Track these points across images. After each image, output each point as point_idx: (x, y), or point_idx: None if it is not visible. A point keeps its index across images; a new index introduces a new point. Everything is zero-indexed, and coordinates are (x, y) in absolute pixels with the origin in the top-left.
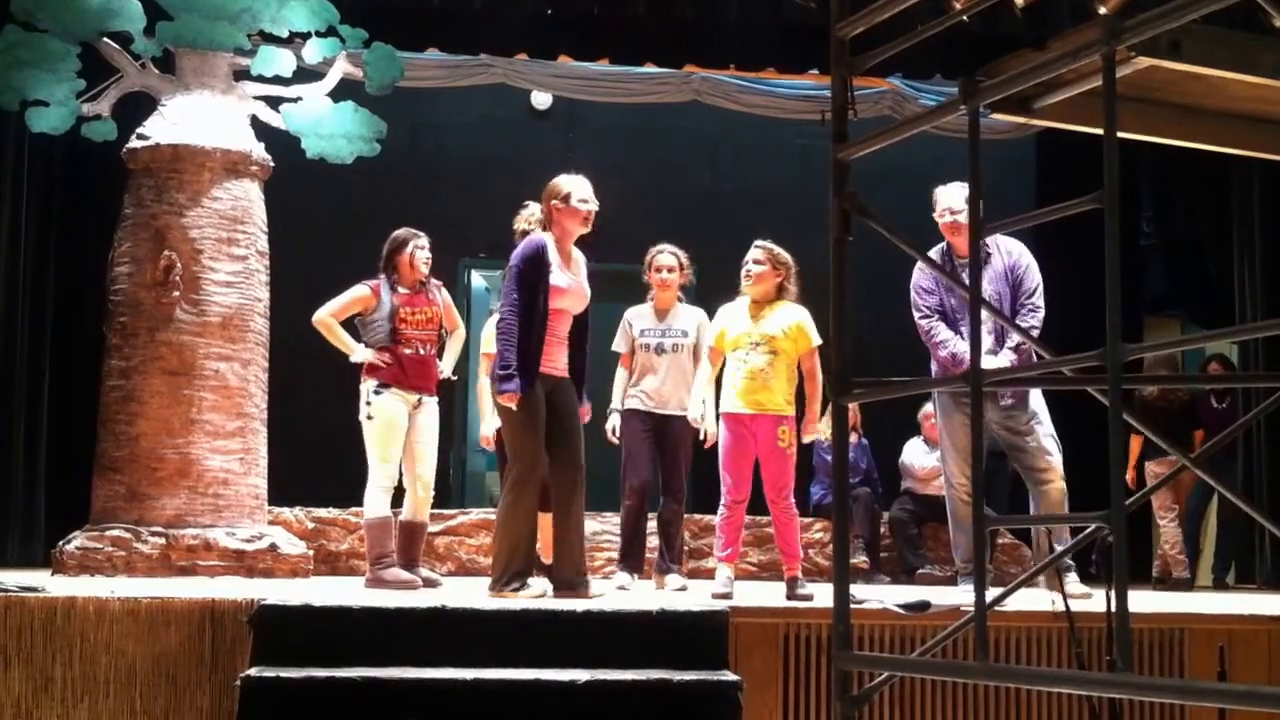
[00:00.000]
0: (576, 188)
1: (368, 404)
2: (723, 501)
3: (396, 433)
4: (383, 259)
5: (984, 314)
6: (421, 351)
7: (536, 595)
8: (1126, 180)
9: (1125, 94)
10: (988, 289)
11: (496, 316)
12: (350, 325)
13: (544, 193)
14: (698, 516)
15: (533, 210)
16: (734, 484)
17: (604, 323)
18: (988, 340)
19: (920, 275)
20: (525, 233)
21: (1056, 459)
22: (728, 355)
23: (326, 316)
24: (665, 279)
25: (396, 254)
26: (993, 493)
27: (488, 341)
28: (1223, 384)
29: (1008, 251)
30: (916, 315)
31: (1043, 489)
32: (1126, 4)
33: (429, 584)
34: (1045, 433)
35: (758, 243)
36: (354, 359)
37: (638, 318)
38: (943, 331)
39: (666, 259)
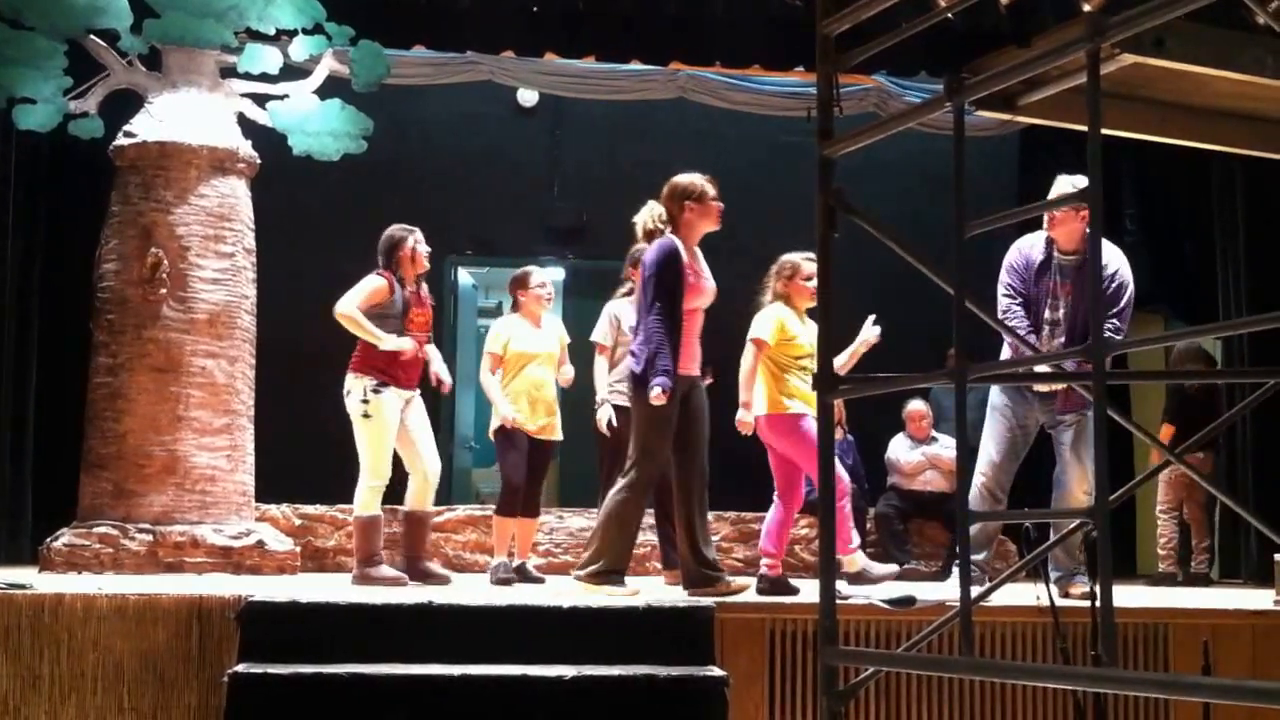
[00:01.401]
0: (708, 186)
1: (365, 401)
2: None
3: (392, 432)
4: (381, 257)
5: (1059, 317)
6: (418, 352)
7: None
8: (1109, 176)
9: (1109, 91)
10: (1071, 292)
11: (507, 319)
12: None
13: (670, 191)
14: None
15: (656, 209)
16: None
17: (590, 321)
18: (1059, 340)
19: (1014, 254)
20: (651, 232)
21: (1090, 468)
22: (791, 358)
23: (352, 308)
24: None
25: (396, 250)
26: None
27: (492, 340)
28: (1206, 379)
29: (1106, 261)
30: (1000, 290)
31: (1057, 495)
32: (1111, 1)
33: (438, 580)
34: (1086, 447)
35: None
36: (384, 348)
37: (627, 314)
38: (1017, 319)
39: None
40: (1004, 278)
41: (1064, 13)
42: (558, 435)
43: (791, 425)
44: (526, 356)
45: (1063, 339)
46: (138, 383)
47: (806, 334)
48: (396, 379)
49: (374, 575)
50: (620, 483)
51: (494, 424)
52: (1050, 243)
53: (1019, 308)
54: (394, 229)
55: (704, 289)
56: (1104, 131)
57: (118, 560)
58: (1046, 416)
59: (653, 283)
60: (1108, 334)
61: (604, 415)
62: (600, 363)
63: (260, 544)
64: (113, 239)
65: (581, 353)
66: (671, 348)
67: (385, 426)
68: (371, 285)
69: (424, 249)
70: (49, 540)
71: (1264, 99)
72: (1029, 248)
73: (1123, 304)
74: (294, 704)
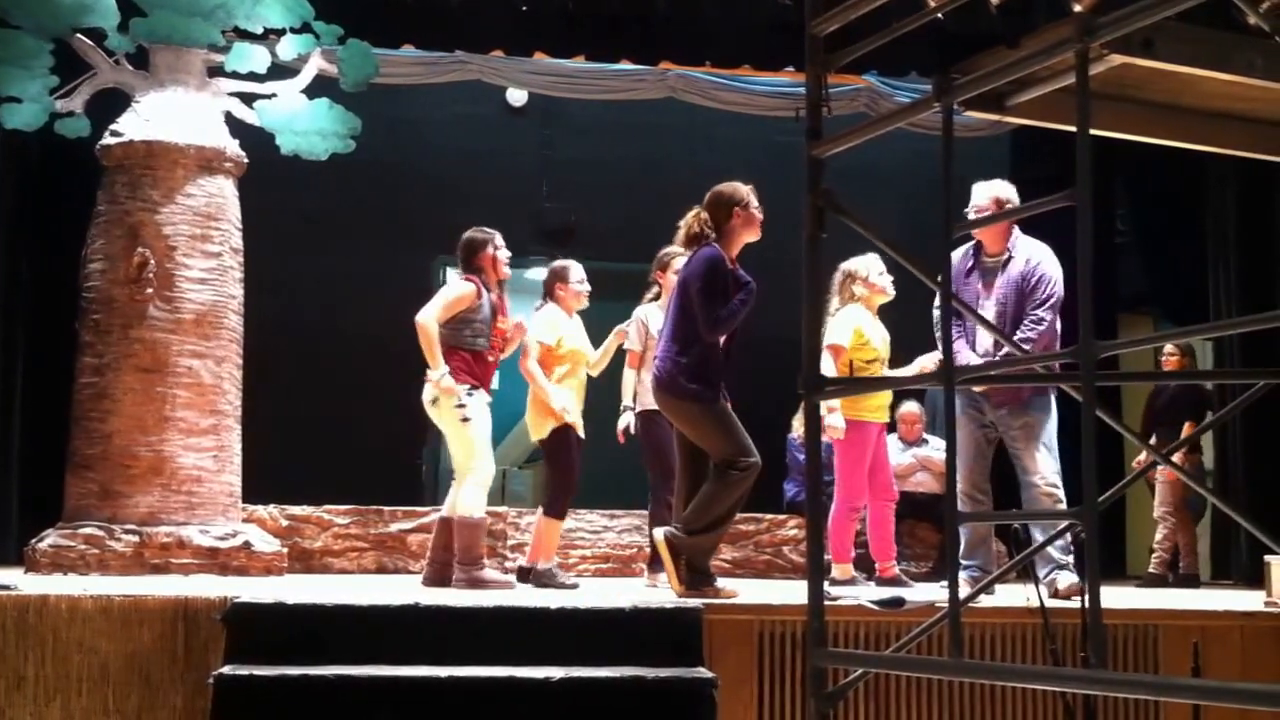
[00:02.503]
0: (752, 195)
1: (462, 405)
2: (837, 507)
3: (489, 430)
4: (461, 261)
5: (991, 318)
6: (498, 358)
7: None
8: (1101, 178)
9: (1098, 91)
10: (996, 293)
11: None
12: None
13: (717, 199)
14: None
15: (702, 214)
16: (856, 492)
17: (586, 322)
18: (988, 342)
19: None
20: (695, 237)
21: (1044, 466)
22: (864, 362)
23: (429, 320)
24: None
25: (477, 255)
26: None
27: (547, 330)
28: (1193, 379)
29: (1027, 258)
30: (933, 309)
31: (1027, 494)
32: (1100, 2)
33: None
34: (1037, 438)
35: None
36: (433, 377)
37: (654, 318)
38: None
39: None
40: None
41: (1055, 14)
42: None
43: (852, 430)
44: (579, 355)
45: (990, 342)
46: (124, 383)
47: (878, 336)
48: (483, 383)
49: (484, 578)
50: (726, 480)
51: (548, 425)
52: (978, 247)
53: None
54: (473, 232)
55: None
56: (1094, 132)
57: (103, 561)
58: (994, 415)
59: (704, 292)
60: (1032, 327)
61: (624, 422)
62: (630, 373)
63: (247, 545)
64: (99, 238)
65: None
66: (720, 356)
67: (484, 426)
68: (456, 292)
69: (505, 254)
70: (34, 541)
71: (1254, 100)
72: (958, 253)
73: (1045, 296)
74: (280, 706)
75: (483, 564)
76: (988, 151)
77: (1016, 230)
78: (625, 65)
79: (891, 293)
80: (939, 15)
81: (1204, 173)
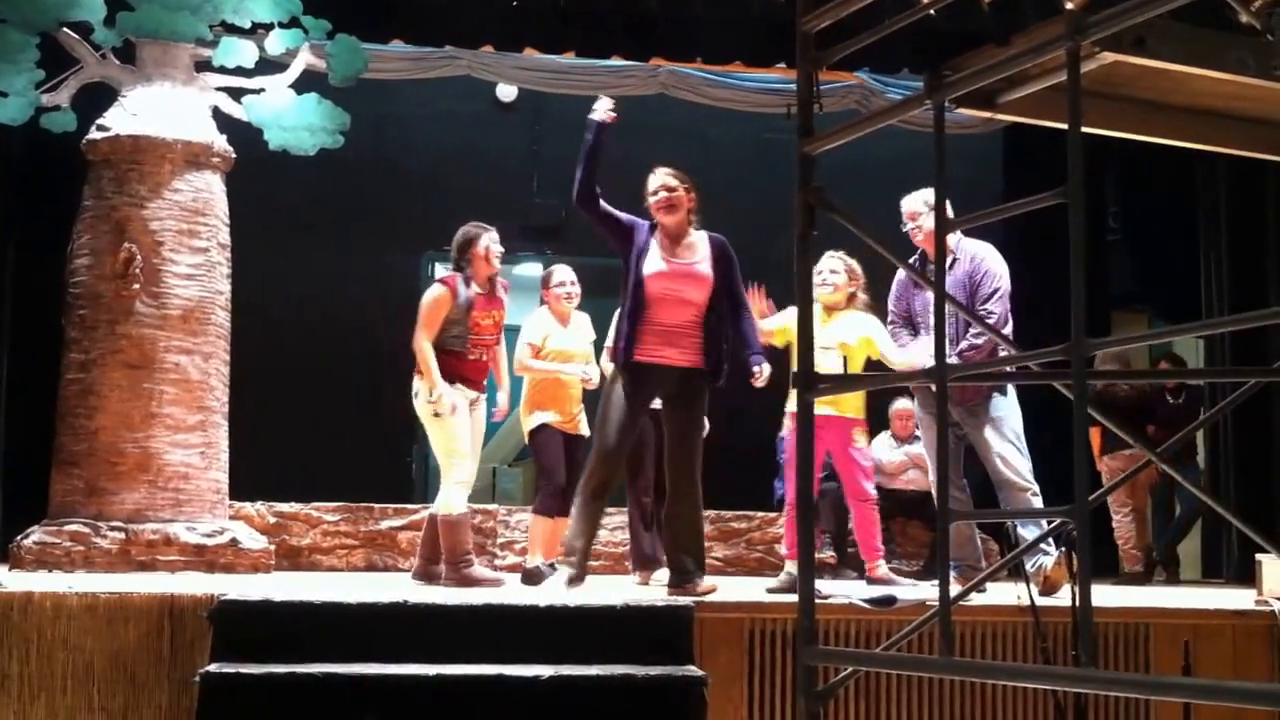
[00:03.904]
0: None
1: (431, 401)
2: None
3: (465, 428)
4: (454, 256)
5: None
6: (484, 357)
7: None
8: (1093, 175)
9: (1090, 89)
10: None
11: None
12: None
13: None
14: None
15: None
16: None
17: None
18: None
19: (894, 284)
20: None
21: (1015, 462)
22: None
23: (425, 344)
24: None
25: (469, 248)
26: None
27: (532, 330)
28: (1182, 378)
29: (970, 256)
30: (887, 320)
31: (1002, 493)
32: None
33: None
34: (1003, 435)
35: (833, 253)
36: (430, 397)
37: None
38: (903, 338)
39: None
40: (890, 307)
41: (1046, 12)
42: (584, 430)
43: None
44: (567, 356)
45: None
46: (110, 379)
47: (828, 335)
48: (461, 381)
49: (473, 576)
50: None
51: (531, 424)
52: (923, 257)
53: (901, 328)
54: (467, 227)
55: (667, 274)
56: (1085, 130)
57: (89, 558)
58: (958, 414)
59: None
60: (993, 316)
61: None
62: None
63: (234, 542)
64: (85, 234)
65: None
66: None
67: (460, 422)
68: (429, 303)
69: (497, 248)
70: (19, 538)
71: (1246, 98)
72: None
73: (991, 290)
74: (267, 704)
75: (470, 561)
76: (979, 149)
77: (959, 234)
78: (616, 61)
79: (826, 291)
80: (930, 12)
81: (1195, 170)
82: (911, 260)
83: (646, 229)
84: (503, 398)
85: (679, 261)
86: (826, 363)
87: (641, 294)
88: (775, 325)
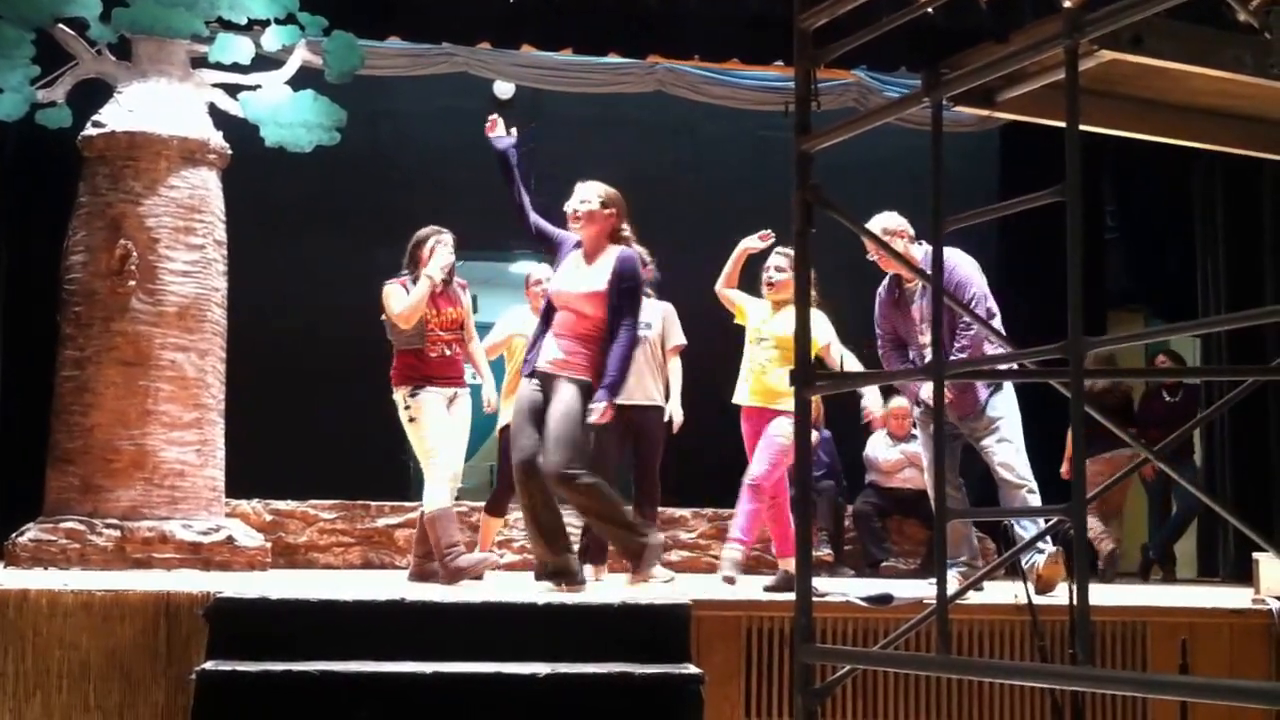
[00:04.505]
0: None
1: (407, 408)
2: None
3: (441, 425)
4: (406, 257)
5: (925, 338)
6: (448, 353)
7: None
8: (1090, 174)
9: (1088, 87)
10: (926, 311)
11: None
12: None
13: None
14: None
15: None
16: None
17: None
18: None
19: (876, 305)
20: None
21: (1013, 460)
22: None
23: (399, 309)
24: None
25: (417, 250)
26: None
27: (500, 326)
28: (1179, 376)
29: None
30: (878, 342)
31: (1001, 491)
32: None
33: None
34: (1001, 434)
35: (781, 249)
36: (404, 405)
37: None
38: (893, 359)
39: None
40: (876, 328)
41: (1043, 10)
42: None
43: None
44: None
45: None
46: (106, 376)
47: (779, 327)
48: (432, 379)
49: (463, 565)
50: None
51: (505, 418)
52: (896, 278)
53: (891, 349)
54: (423, 230)
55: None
56: (1083, 128)
57: (85, 556)
58: (958, 423)
59: (635, 298)
60: (963, 334)
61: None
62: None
63: (230, 540)
64: (80, 230)
65: None
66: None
67: (431, 421)
68: (387, 294)
69: (444, 249)
70: (14, 535)
71: (1243, 97)
72: (882, 289)
73: (967, 300)
74: (263, 702)
75: (454, 553)
76: (975, 147)
77: (928, 248)
78: (613, 58)
79: (770, 288)
80: (928, 10)
81: (1192, 169)
82: (886, 283)
83: (572, 244)
84: (488, 390)
85: (580, 276)
86: (762, 356)
87: (549, 304)
88: (741, 299)
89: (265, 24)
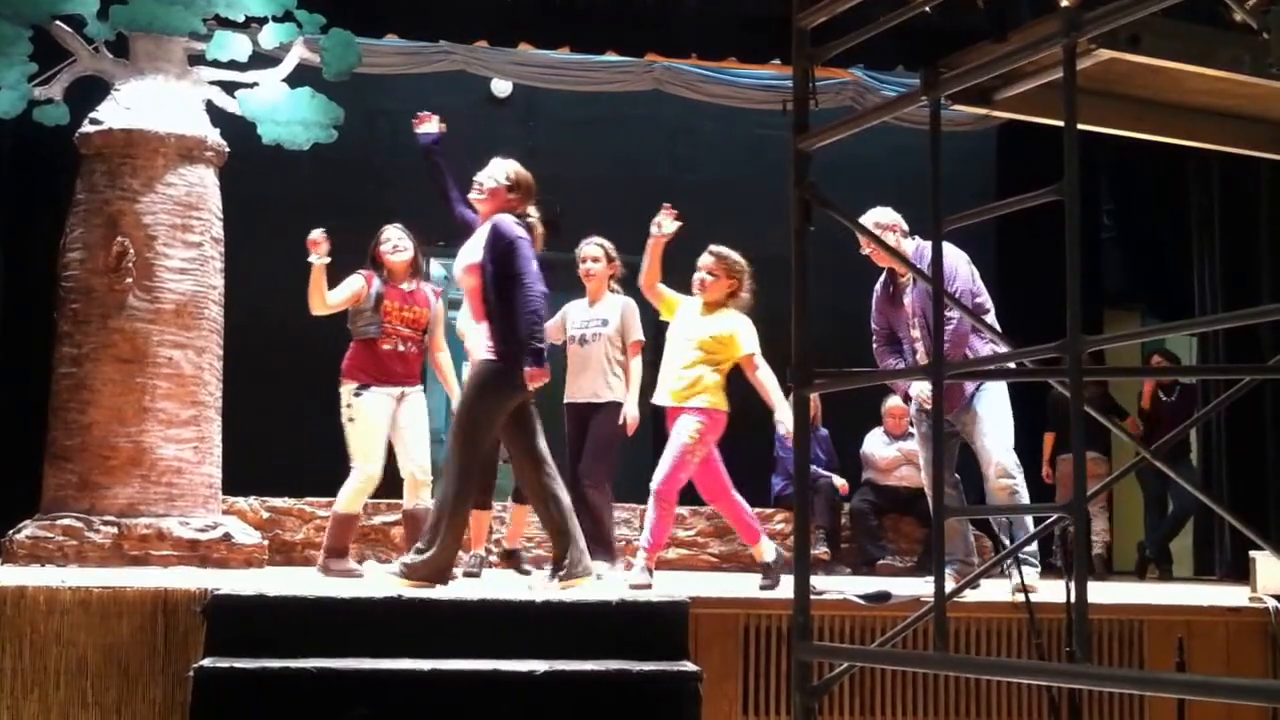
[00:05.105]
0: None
1: (348, 406)
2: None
3: (378, 434)
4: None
5: (916, 333)
6: (401, 349)
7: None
8: (1087, 173)
9: (1085, 86)
10: (915, 307)
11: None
12: (339, 318)
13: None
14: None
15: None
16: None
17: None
18: (917, 355)
19: (873, 301)
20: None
21: (999, 455)
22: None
23: (321, 306)
24: (588, 269)
25: (374, 247)
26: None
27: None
28: (1176, 375)
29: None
30: (872, 337)
31: (988, 489)
32: None
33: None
34: (990, 434)
35: (712, 249)
36: (345, 404)
37: (574, 310)
38: (887, 353)
39: (589, 249)
40: (872, 323)
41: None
42: None
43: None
44: None
45: (920, 354)
46: (103, 373)
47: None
48: (379, 378)
49: (329, 568)
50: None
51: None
52: (890, 274)
53: (885, 345)
54: (383, 228)
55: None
56: (1080, 127)
57: (82, 553)
58: (951, 419)
59: (527, 254)
60: (952, 321)
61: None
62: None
63: (227, 537)
64: (78, 228)
65: None
66: None
67: (368, 427)
68: (347, 283)
69: (386, 246)
70: (12, 532)
71: (1240, 96)
72: (878, 285)
73: (955, 292)
74: (261, 699)
75: (338, 559)
76: (971, 146)
77: (919, 242)
78: (611, 57)
79: (702, 288)
80: (925, 10)
81: (1188, 168)
82: (882, 280)
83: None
84: (454, 396)
85: (464, 253)
86: (681, 356)
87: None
88: (669, 295)
89: (263, 22)
